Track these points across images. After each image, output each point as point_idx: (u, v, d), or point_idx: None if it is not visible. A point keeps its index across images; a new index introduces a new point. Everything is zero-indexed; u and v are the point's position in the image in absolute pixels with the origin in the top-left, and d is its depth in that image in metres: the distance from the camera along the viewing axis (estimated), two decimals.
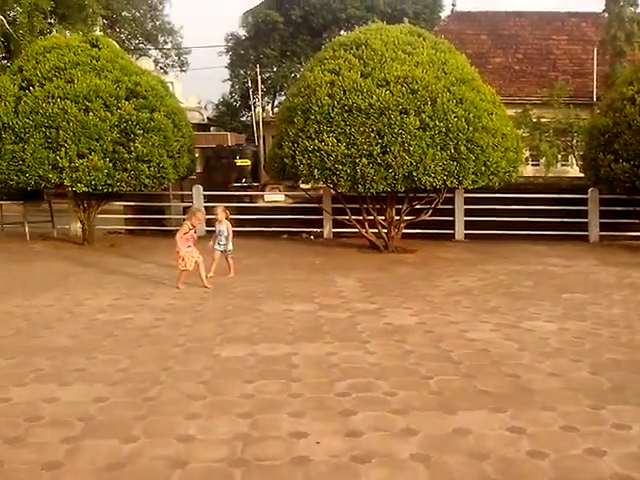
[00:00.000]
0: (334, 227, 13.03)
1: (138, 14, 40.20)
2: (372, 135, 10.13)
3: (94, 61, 11.42)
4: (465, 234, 12.86)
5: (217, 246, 8.72)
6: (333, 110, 10.25)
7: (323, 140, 10.22)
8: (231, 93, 42.20)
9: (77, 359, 5.23)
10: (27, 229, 12.53)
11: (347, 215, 11.48)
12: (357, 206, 11.35)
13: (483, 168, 10.43)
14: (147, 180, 11.13)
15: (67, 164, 10.54)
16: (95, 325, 6.38)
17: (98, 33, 19.09)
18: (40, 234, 12.93)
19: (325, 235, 13.13)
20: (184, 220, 8.41)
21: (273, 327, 6.25)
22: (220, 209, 8.84)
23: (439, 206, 11.51)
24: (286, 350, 5.46)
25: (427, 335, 5.96)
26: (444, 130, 10.12)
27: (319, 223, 13.21)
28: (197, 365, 5.08)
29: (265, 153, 22.08)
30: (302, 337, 5.86)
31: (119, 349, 5.53)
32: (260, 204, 15.47)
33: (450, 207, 12.60)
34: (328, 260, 10.61)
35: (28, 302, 7.37)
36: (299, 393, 4.45)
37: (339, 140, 10.22)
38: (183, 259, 7.94)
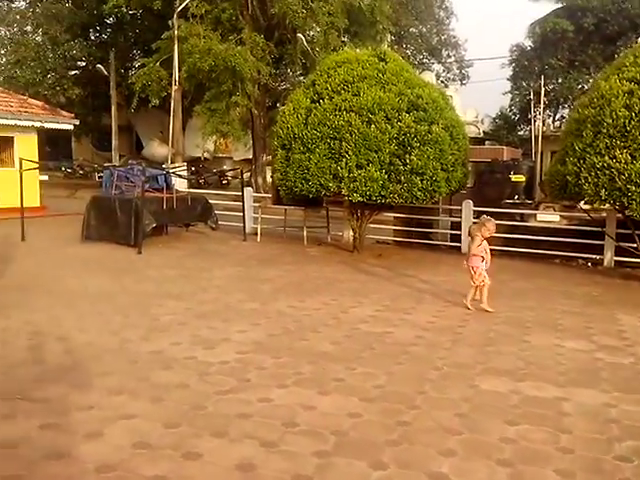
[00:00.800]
0: (616, 255, 11.63)
1: (424, 29, 41.10)
2: None
3: (380, 74, 11.73)
4: None
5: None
6: (630, 123, 9.10)
7: (615, 156, 9.14)
8: (510, 106, 40.80)
9: (337, 367, 5.31)
10: (305, 233, 13.46)
11: (636, 243, 10.13)
12: None
13: None
14: (419, 193, 11.10)
15: (346, 174, 10.98)
16: (356, 335, 6.45)
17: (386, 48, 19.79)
18: (316, 238, 13.77)
19: (605, 263, 11.78)
20: (470, 232, 7.94)
21: (541, 363, 5.67)
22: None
23: None
24: (555, 393, 4.88)
25: None
26: None
27: (598, 249, 11.90)
28: (454, 394, 4.79)
29: (541, 169, 20.78)
30: (575, 380, 5.19)
31: (377, 363, 5.48)
32: (532, 223, 14.51)
33: None
34: (608, 292, 9.45)
35: (299, 303, 7.79)
36: (569, 448, 3.90)
37: (634, 157, 9.05)
38: (479, 274, 7.59)
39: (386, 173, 11.03)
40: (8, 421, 4.11)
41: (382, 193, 11.04)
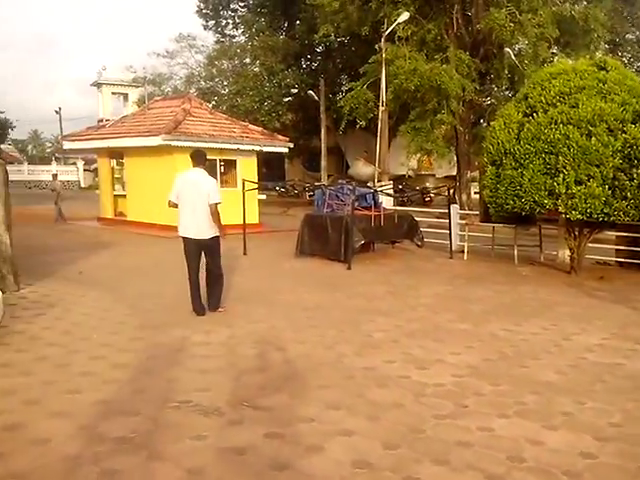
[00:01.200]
0: None
1: None
2: None
3: (600, 84, 10.91)
4: None
5: None
6: None
7: None
8: None
9: (563, 400, 4.89)
10: (516, 252, 12.83)
11: None
12: None
13: None
14: None
15: (563, 190, 10.30)
16: (583, 365, 5.92)
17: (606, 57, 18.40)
18: (527, 257, 13.08)
19: None
20: None
21: None
22: None
23: None
24: None
25: None
26: None
27: None
28: None
29: None
30: None
31: (610, 398, 4.96)
32: None
33: None
34: None
35: (514, 327, 7.37)
36: None
37: None
38: None
39: (609, 189, 10.17)
40: (236, 428, 4.32)
41: (605, 210, 10.18)
